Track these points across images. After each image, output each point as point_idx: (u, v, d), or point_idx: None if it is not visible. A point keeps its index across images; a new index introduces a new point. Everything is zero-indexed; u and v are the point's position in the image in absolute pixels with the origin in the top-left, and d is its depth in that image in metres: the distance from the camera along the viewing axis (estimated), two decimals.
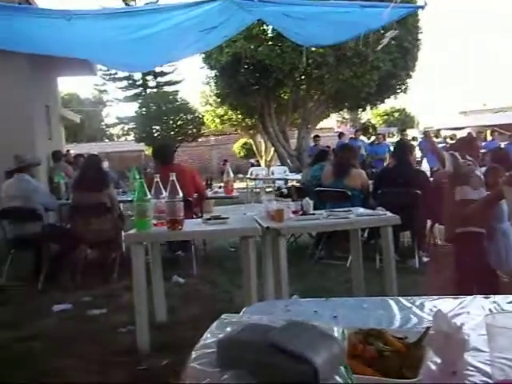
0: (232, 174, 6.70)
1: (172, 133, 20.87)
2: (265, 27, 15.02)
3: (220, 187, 7.39)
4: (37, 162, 6.64)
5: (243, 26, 5.07)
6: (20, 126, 9.50)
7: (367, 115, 34.35)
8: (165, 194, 3.61)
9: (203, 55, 16.52)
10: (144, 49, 4.46)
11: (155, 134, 20.93)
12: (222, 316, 1.17)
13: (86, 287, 5.66)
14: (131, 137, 25.23)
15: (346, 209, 4.35)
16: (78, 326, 4.52)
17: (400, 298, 1.79)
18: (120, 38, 3.99)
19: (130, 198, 6.91)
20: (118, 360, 3.67)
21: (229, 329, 1.06)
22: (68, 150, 14.89)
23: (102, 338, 4.13)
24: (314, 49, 13.07)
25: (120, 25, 3.79)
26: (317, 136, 15.81)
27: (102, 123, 44.50)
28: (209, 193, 7.06)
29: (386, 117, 37.50)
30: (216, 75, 17.23)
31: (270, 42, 15.17)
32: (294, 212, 4.09)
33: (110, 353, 3.81)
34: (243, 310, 1.69)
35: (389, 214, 4.21)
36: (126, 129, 27.06)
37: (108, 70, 33.97)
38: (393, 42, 13.33)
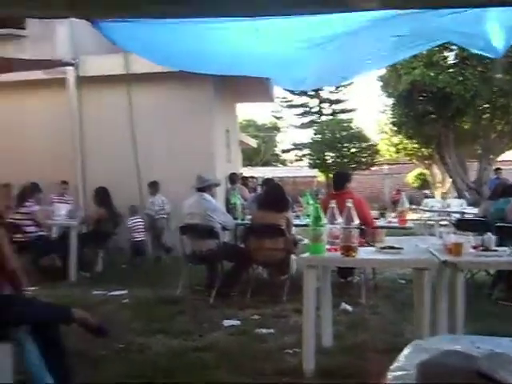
0: (407, 204, 6.51)
1: (345, 160, 20.92)
2: (445, 54, 14.53)
3: (393, 217, 7.20)
4: (217, 182, 7.03)
5: (433, 41, 4.70)
6: (202, 149, 10.18)
7: None
8: (339, 219, 3.63)
9: (381, 83, 16.39)
10: (334, 59, 4.26)
11: (329, 161, 21.12)
12: (415, 342, 1.13)
13: (255, 306, 5.82)
14: (304, 162, 25.70)
15: None
16: (246, 342, 4.62)
17: None
18: (307, 51, 3.80)
19: (302, 223, 7.04)
20: (282, 380, 3.69)
21: (424, 354, 1.02)
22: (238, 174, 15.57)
23: (268, 357, 4.18)
24: (499, 75, 12.36)
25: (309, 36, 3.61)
26: (498, 168, 14.83)
27: (276, 148, 45.96)
28: (382, 222, 6.92)
29: None
30: (393, 103, 16.98)
31: (450, 70, 14.63)
32: (475, 247, 3.85)
33: (275, 372, 3.84)
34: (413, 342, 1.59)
35: None
36: (299, 154, 27.66)
37: (285, 98, 35.18)
38: None
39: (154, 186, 9.77)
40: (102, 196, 8.21)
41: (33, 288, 3.22)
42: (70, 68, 8.99)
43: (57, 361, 2.93)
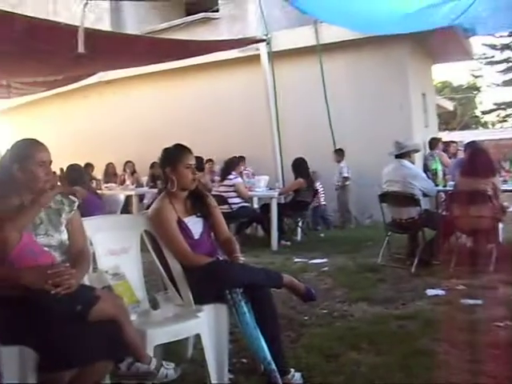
0: None
1: None
2: None
3: None
4: (417, 148, 6.78)
5: None
6: (398, 114, 9.90)
7: None
8: None
9: None
10: None
11: None
12: None
13: (459, 276, 5.54)
14: (508, 123, 23.77)
15: None
16: (451, 312, 4.45)
17: None
18: None
19: (510, 188, 6.54)
20: (493, 352, 3.48)
21: None
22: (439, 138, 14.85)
23: (476, 329, 3.97)
24: None
25: None
26: None
27: (476, 110, 43.02)
28: None
29: None
30: None
31: None
32: None
33: (485, 345, 3.63)
34: None
35: None
36: (502, 115, 25.62)
37: (484, 54, 32.67)
38: None
39: (339, 154, 9.79)
40: (301, 166, 8.40)
41: (241, 254, 3.38)
42: (263, 44, 9.25)
43: (269, 322, 3.08)
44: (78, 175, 6.03)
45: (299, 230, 8.67)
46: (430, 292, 5.08)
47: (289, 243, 8.09)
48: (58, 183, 3.11)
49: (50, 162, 2.67)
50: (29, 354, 2.34)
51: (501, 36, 29.73)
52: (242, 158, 9.20)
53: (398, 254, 6.63)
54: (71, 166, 6.14)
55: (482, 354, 3.47)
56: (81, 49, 3.52)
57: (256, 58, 9.31)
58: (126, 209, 9.73)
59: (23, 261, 2.44)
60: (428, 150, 10.45)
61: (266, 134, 9.59)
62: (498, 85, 32.91)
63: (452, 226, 6.03)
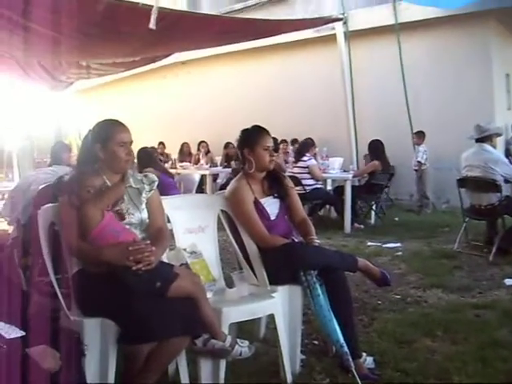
0: None
1: None
2: None
3: None
4: (499, 132, 6.51)
5: None
6: (479, 96, 9.55)
7: None
8: None
9: None
10: None
11: None
12: None
13: None
14: None
15: None
16: None
17: None
18: None
19: None
20: None
21: None
22: None
23: None
24: None
25: None
26: None
27: None
28: None
29: None
30: None
31: None
32: None
33: None
34: None
35: None
36: None
37: None
38: None
39: (420, 136, 9.54)
40: (378, 149, 8.28)
41: (316, 237, 3.38)
42: (339, 23, 9.10)
43: (343, 305, 3.07)
44: (148, 158, 6.25)
45: (373, 213, 8.55)
46: (509, 282, 4.92)
47: (362, 226, 8.01)
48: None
49: (131, 142, 2.75)
50: (110, 326, 2.46)
51: None
52: (312, 140, 9.09)
53: (475, 241, 6.43)
54: (141, 149, 6.35)
55: None
56: (152, 25, 3.58)
57: (332, 38, 9.19)
58: (201, 188, 9.88)
59: (105, 238, 2.55)
60: (511, 134, 10.03)
61: (341, 115, 9.50)
62: None
63: None
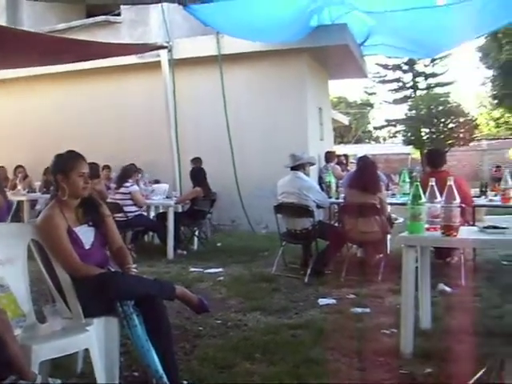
0: (511, 182, 6.16)
1: (442, 136, 20.15)
2: None
3: (494, 195, 6.85)
4: (312, 161, 6.95)
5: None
6: (295, 127, 10.16)
7: None
8: (439, 198, 3.51)
9: (480, 54, 15.60)
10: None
11: (424, 137, 20.44)
12: None
13: (350, 285, 5.76)
14: (398, 139, 25.09)
15: None
16: (341, 321, 4.57)
17: None
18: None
19: (399, 201, 6.87)
20: (378, 360, 3.63)
21: None
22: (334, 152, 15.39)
23: (364, 336, 4.12)
24: None
25: None
26: None
27: (369, 125, 45.04)
28: (483, 200, 6.62)
29: None
30: (494, 75, 16.17)
31: None
32: None
33: (371, 351, 3.78)
34: None
35: None
36: (393, 131, 26.98)
37: (377, 73, 34.31)
38: None
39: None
40: (199, 175, 8.37)
41: (134, 265, 3.31)
42: (164, 51, 9.19)
43: (161, 335, 3.01)
44: None
45: (196, 239, 8.62)
46: (322, 301, 5.22)
47: (185, 252, 8.03)
48: None
49: None
50: None
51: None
52: (134, 166, 8.93)
53: (292, 263, 6.78)
54: None
55: (369, 361, 3.62)
56: None
57: (157, 65, 9.22)
58: (18, 214, 9.39)
59: None
60: (324, 163, 10.78)
61: (165, 141, 9.51)
62: (390, 102, 34.59)
63: (343, 237, 6.26)
